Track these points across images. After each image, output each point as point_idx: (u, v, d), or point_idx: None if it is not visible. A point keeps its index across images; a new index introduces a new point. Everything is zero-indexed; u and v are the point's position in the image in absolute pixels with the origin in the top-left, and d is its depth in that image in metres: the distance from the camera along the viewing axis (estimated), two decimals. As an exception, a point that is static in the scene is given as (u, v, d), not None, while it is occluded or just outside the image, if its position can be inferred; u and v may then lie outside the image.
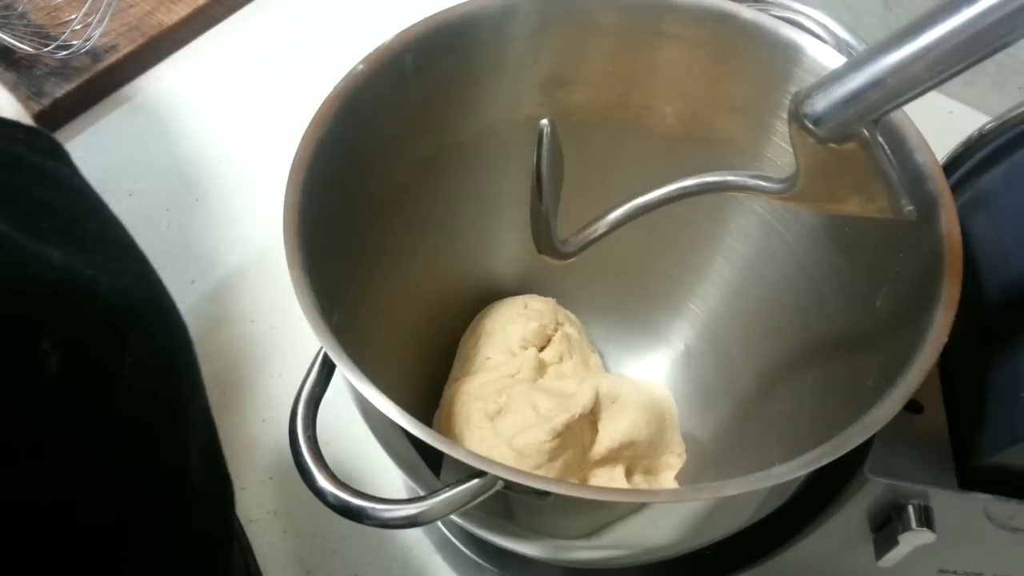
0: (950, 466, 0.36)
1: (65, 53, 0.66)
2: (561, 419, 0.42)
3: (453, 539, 0.49)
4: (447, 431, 0.46)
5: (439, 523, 0.49)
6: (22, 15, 0.69)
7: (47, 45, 0.66)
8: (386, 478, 0.52)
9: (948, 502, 0.36)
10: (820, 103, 0.28)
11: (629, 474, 0.46)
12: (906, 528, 0.37)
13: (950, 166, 0.44)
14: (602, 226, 0.36)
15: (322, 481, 0.31)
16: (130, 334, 0.22)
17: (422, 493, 0.31)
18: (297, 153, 0.37)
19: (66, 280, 0.20)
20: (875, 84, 0.26)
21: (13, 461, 0.18)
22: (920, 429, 0.37)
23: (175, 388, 0.24)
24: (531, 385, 0.47)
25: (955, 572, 0.41)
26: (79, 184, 0.25)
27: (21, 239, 0.19)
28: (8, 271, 0.18)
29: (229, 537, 0.30)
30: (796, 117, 0.29)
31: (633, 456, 0.46)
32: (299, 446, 0.32)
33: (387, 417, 0.31)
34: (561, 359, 0.50)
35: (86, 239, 0.22)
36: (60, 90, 0.67)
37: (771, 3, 0.45)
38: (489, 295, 0.52)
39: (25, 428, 0.18)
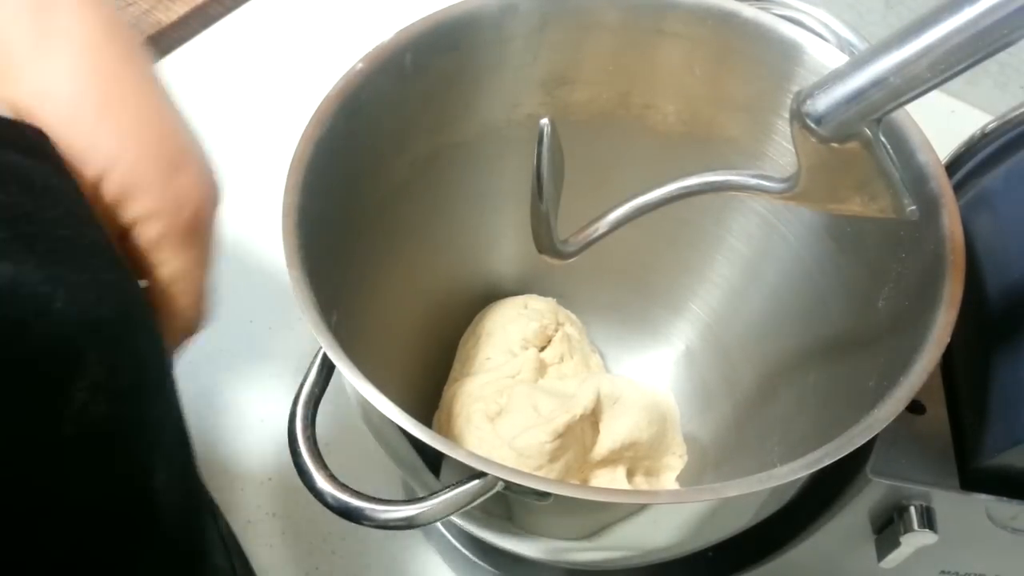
0: (952, 467, 0.36)
1: (64, 52, 0.66)
2: (562, 420, 0.42)
3: (453, 540, 0.49)
4: (447, 432, 0.46)
5: (439, 524, 0.49)
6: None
7: (46, 44, 0.66)
8: (386, 478, 0.52)
9: (950, 503, 0.36)
10: (822, 102, 0.28)
11: (630, 475, 0.46)
12: (908, 529, 0.37)
13: (952, 165, 0.44)
14: (603, 226, 0.36)
15: (321, 482, 0.31)
16: (86, 354, 0.20)
17: (422, 494, 0.31)
18: (296, 153, 0.37)
19: (13, 298, 0.19)
20: (877, 83, 0.26)
21: None
22: (922, 430, 0.37)
23: (140, 409, 0.23)
24: (532, 386, 0.47)
25: (957, 573, 0.41)
26: (55, 184, 0.23)
27: None
28: None
29: (201, 560, 0.28)
30: (798, 116, 0.29)
31: (634, 457, 0.46)
32: (298, 446, 0.32)
33: (387, 417, 0.31)
34: (562, 359, 0.50)
35: (54, 247, 0.21)
36: (59, 89, 0.67)
37: (773, 2, 0.45)
38: (489, 295, 0.52)
39: None
